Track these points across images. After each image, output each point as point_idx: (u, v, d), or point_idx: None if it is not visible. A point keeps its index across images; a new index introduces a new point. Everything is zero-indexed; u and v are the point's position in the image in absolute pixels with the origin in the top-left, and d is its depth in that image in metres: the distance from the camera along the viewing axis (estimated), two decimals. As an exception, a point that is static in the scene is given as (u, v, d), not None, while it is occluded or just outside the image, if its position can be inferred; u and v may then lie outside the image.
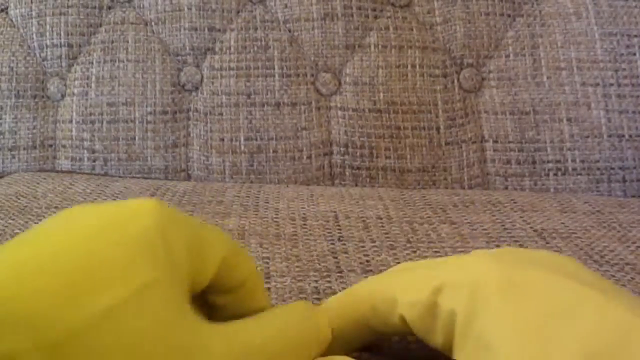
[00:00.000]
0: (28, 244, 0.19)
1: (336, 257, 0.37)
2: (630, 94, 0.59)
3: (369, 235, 0.41)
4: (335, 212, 0.45)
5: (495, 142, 0.60)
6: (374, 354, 0.28)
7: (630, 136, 0.59)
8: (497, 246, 0.40)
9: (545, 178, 0.59)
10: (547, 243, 0.41)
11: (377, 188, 0.55)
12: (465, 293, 0.21)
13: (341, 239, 0.40)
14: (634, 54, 0.60)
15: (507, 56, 0.61)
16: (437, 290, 0.22)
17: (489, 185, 0.59)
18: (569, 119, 0.59)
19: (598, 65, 0.60)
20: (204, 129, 0.61)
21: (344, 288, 0.34)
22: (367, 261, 0.37)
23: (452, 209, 0.47)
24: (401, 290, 0.23)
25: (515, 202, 0.49)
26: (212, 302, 0.25)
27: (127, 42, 0.63)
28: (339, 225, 0.43)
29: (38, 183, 0.53)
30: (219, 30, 0.62)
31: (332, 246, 0.39)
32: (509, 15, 0.62)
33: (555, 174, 0.59)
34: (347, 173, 0.60)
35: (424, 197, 0.50)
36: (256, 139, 0.60)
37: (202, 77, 0.62)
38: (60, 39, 0.64)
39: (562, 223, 0.44)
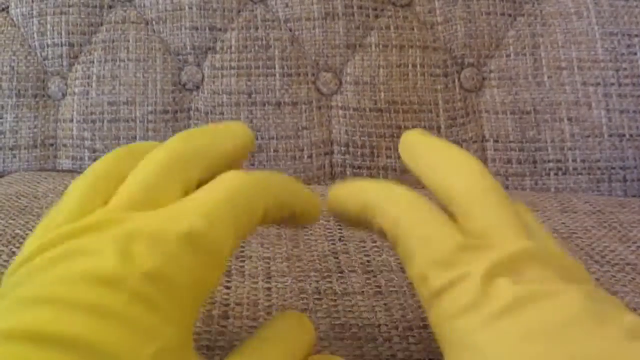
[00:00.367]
0: None
1: (337, 258, 0.37)
2: (631, 94, 0.59)
3: (369, 235, 0.41)
4: (336, 211, 0.45)
5: (496, 141, 0.60)
6: (373, 356, 0.28)
7: (631, 136, 0.59)
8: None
9: (546, 177, 0.59)
10: (548, 243, 0.41)
11: (378, 187, 0.55)
12: (469, 297, 0.21)
13: (342, 239, 0.40)
14: (635, 54, 0.60)
15: (508, 56, 0.61)
16: (449, 284, 0.21)
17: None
18: (569, 119, 0.59)
19: (599, 64, 0.60)
20: (205, 128, 0.61)
21: (344, 288, 0.34)
22: (368, 261, 0.37)
23: (452, 208, 0.47)
24: (420, 247, 0.23)
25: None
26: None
27: (128, 41, 0.63)
28: (339, 225, 0.43)
29: (39, 182, 0.53)
30: (220, 29, 0.62)
31: (333, 246, 0.39)
32: (509, 15, 0.62)
33: (556, 174, 0.59)
34: (348, 172, 0.60)
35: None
36: (257, 138, 0.60)
37: (203, 76, 0.62)
38: (61, 38, 0.64)
39: (563, 223, 0.44)
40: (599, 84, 0.60)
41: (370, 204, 0.25)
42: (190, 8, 0.63)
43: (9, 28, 0.65)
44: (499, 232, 0.23)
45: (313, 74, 0.61)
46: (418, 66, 0.61)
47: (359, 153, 0.60)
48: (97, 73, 0.63)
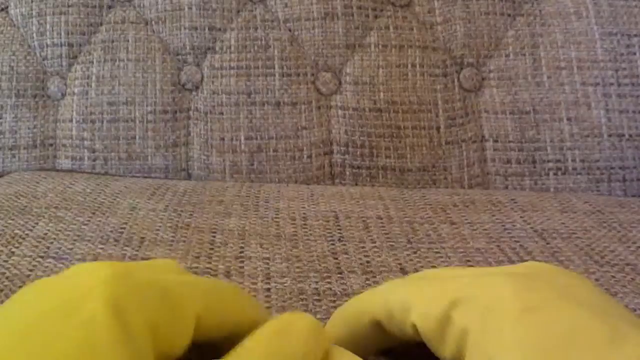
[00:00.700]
0: None
1: (336, 258, 0.37)
2: (630, 94, 0.59)
3: (369, 235, 0.41)
4: (335, 212, 0.45)
5: (496, 141, 0.60)
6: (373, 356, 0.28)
7: (631, 136, 0.59)
8: (498, 246, 0.40)
9: (545, 177, 0.59)
10: (547, 243, 0.41)
11: (378, 187, 0.55)
12: (480, 312, 0.21)
13: (341, 239, 0.40)
14: (634, 54, 0.60)
15: (507, 56, 0.61)
16: (452, 304, 0.22)
17: (489, 185, 0.59)
18: (569, 119, 0.59)
19: (598, 64, 0.60)
20: (204, 128, 0.61)
21: (344, 289, 0.34)
22: (368, 262, 0.37)
23: (452, 208, 0.47)
24: (417, 299, 0.23)
25: (515, 202, 0.49)
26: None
27: (128, 41, 0.63)
28: (339, 226, 0.43)
29: (38, 182, 0.53)
30: (220, 29, 0.62)
31: (332, 247, 0.39)
32: (509, 15, 0.62)
33: (556, 174, 0.59)
34: (348, 172, 0.60)
35: (424, 196, 0.50)
36: (256, 139, 0.60)
37: (202, 76, 0.62)
38: (60, 38, 0.64)
39: (562, 223, 0.44)
40: (598, 84, 0.60)
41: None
42: (190, 8, 0.63)
43: (9, 28, 0.65)
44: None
45: (312, 74, 0.61)
46: (417, 66, 0.61)
47: (358, 153, 0.60)
48: (97, 73, 0.63)
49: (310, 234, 0.41)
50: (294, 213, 0.45)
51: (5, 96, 0.63)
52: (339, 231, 0.42)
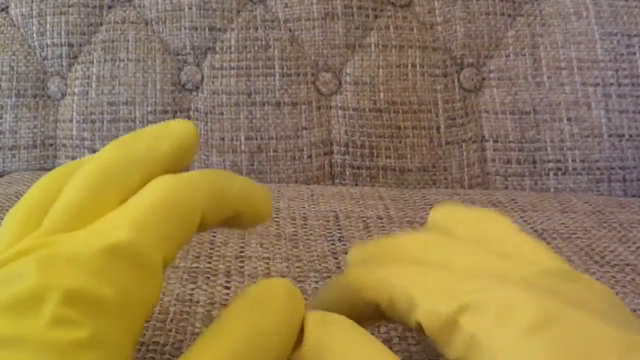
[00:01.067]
0: None
1: (337, 258, 0.37)
2: (630, 94, 0.59)
3: (369, 235, 0.41)
4: (335, 211, 0.45)
5: (496, 141, 0.60)
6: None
7: (631, 136, 0.59)
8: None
9: (545, 178, 0.59)
10: (547, 243, 0.41)
11: (378, 187, 0.55)
12: (490, 321, 0.19)
13: (342, 239, 0.40)
14: (634, 54, 0.60)
15: (508, 56, 0.61)
16: (461, 308, 0.20)
17: (489, 185, 0.59)
18: (569, 119, 0.59)
19: (598, 65, 0.60)
20: (205, 128, 0.61)
21: (344, 289, 0.34)
22: (368, 262, 0.37)
23: (452, 209, 0.47)
24: (423, 294, 0.22)
25: (515, 202, 0.49)
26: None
27: (128, 41, 0.63)
28: (339, 225, 0.43)
29: (38, 182, 0.53)
30: (220, 29, 0.62)
31: (332, 246, 0.39)
32: (509, 15, 0.62)
33: (556, 174, 0.59)
34: (348, 172, 0.60)
35: (424, 196, 0.50)
36: (256, 139, 0.60)
37: (202, 76, 0.62)
38: (60, 38, 0.64)
39: (563, 223, 0.44)
40: (598, 84, 0.60)
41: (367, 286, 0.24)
42: (190, 8, 0.63)
43: (9, 28, 0.65)
44: (490, 270, 0.23)
45: (313, 74, 0.61)
46: (417, 66, 0.61)
47: (358, 153, 0.60)
48: (97, 73, 0.63)
49: (310, 234, 0.41)
50: (294, 213, 0.45)
51: (5, 96, 0.63)
52: (339, 231, 0.42)
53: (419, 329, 0.22)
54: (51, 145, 0.63)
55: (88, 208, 0.21)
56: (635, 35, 0.60)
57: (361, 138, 0.60)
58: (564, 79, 0.60)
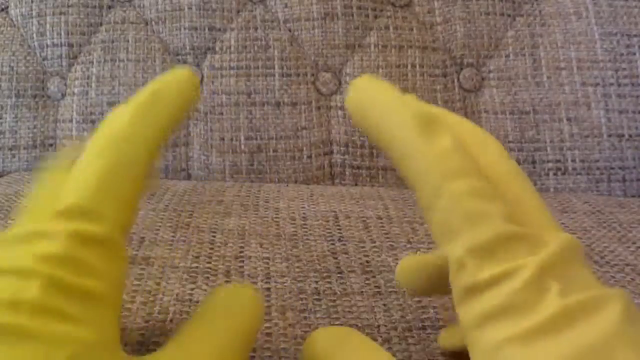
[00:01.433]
0: None
1: (336, 258, 0.37)
2: (630, 94, 0.59)
3: (369, 235, 0.41)
4: (335, 212, 0.45)
5: (495, 141, 0.60)
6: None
7: (630, 136, 0.59)
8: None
9: (545, 178, 0.59)
10: (547, 243, 0.41)
11: (377, 187, 0.55)
12: (515, 299, 0.19)
13: (341, 239, 0.40)
14: (634, 54, 0.60)
15: (507, 56, 0.61)
16: (493, 280, 0.19)
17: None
18: (568, 119, 0.59)
19: (598, 65, 0.60)
20: (204, 128, 0.61)
21: (344, 289, 0.34)
22: (368, 262, 0.37)
23: (452, 209, 0.47)
24: (464, 228, 0.20)
25: (515, 202, 0.49)
26: None
27: (128, 41, 0.63)
28: (339, 225, 0.43)
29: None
30: (219, 29, 0.62)
31: (332, 246, 0.39)
32: (509, 15, 0.62)
33: (555, 174, 0.59)
34: (347, 172, 0.60)
35: (424, 197, 0.50)
36: (256, 139, 0.60)
37: (202, 76, 0.62)
38: (60, 38, 0.64)
39: (562, 223, 0.44)
40: (598, 84, 0.60)
41: (409, 141, 0.22)
42: (190, 8, 0.63)
43: (9, 28, 0.65)
44: (540, 222, 0.21)
45: (312, 74, 0.61)
46: (417, 66, 0.61)
47: (358, 153, 0.60)
48: (97, 73, 0.63)
49: (310, 234, 0.41)
50: (294, 213, 0.45)
51: (5, 96, 0.63)
52: (339, 231, 0.42)
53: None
54: (51, 145, 0.63)
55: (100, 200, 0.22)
56: (635, 35, 0.60)
57: (361, 138, 0.60)
58: (563, 79, 0.60)
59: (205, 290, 0.33)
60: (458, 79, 0.61)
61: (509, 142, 0.59)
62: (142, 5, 0.64)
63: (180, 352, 0.21)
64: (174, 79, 0.25)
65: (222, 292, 0.24)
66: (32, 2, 0.64)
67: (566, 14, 0.61)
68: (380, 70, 0.61)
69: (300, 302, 0.32)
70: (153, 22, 0.63)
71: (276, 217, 0.44)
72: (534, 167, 0.59)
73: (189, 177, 0.61)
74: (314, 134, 0.60)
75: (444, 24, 0.62)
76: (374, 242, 0.40)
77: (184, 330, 0.22)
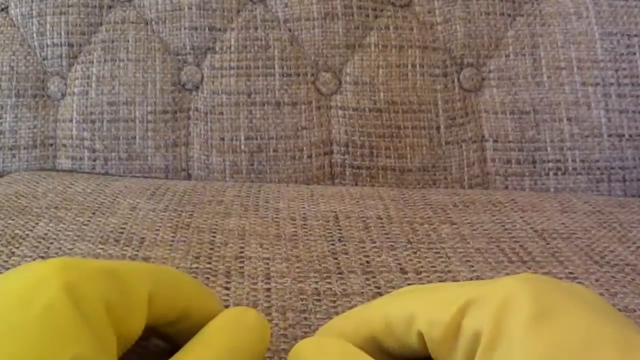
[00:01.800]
0: None
1: (336, 258, 0.37)
2: (630, 94, 0.59)
3: (369, 235, 0.41)
4: (335, 212, 0.45)
5: (496, 141, 0.60)
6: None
7: (631, 136, 0.59)
8: (498, 246, 0.40)
9: (545, 178, 0.59)
10: (547, 243, 0.41)
11: (378, 188, 0.55)
12: (492, 314, 0.20)
13: (341, 239, 0.40)
14: (634, 54, 0.60)
15: (507, 56, 0.61)
16: (462, 310, 0.21)
17: (489, 185, 0.59)
18: (569, 119, 0.59)
19: (598, 64, 0.60)
20: (204, 128, 0.61)
21: (344, 289, 0.34)
22: (368, 262, 0.37)
23: (452, 209, 0.47)
24: (421, 307, 0.22)
25: (515, 202, 0.49)
26: (166, 335, 0.25)
27: (128, 41, 0.63)
28: (339, 226, 0.43)
29: (38, 182, 0.53)
30: (220, 29, 0.62)
31: (332, 247, 0.39)
32: (509, 15, 0.62)
33: (555, 174, 0.59)
34: (348, 172, 0.60)
35: (424, 196, 0.50)
36: (256, 139, 0.60)
37: (202, 76, 0.62)
38: (60, 38, 0.64)
39: (563, 223, 0.44)
40: (598, 84, 0.60)
41: None
42: (190, 8, 0.63)
43: (9, 28, 0.65)
44: None
45: (312, 74, 0.61)
46: (417, 66, 0.61)
47: (358, 153, 0.60)
48: (97, 73, 0.63)
49: (310, 234, 0.41)
50: (294, 213, 0.45)
51: (5, 96, 0.63)
52: (339, 231, 0.42)
53: (420, 342, 0.22)
54: (51, 145, 0.63)
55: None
56: (635, 35, 0.60)
57: (361, 138, 0.60)
58: (563, 79, 0.60)
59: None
60: (458, 79, 0.61)
61: (509, 142, 0.59)
62: (142, 5, 0.64)
63: None
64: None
65: (228, 313, 0.24)
66: (32, 2, 0.64)
67: (566, 14, 0.61)
68: (381, 70, 0.61)
69: (301, 302, 0.32)
70: (153, 22, 0.63)
71: (276, 217, 0.44)
72: (534, 167, 0.59)
73: (189, 177, 0.61)
74: (314, 134, 0.60)
75: (444, 24, 0.62)
76: (374, 243, 0.40)
77: (187, 347, 0.22)
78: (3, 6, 0.66)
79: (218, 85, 0.61)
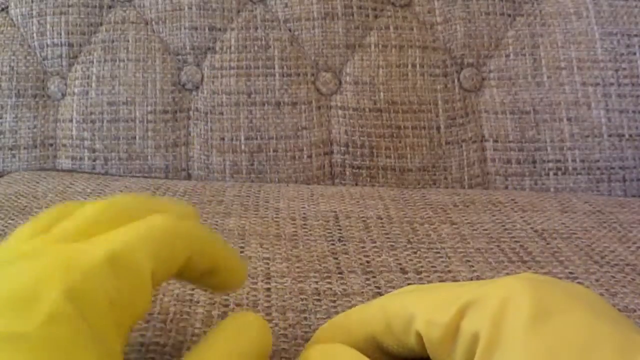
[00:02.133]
0: None
1: (337, 258, 0.37)
2: (630, 94, 0.59)
3: (369, 235, 0.41)
4: (335, 212, 0.45)
5: (496, 141, 0.60)
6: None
7: (631, 136, 0.59)
8: (498, 246, 0.40)
9: (545, 178, 0.59)
10: (547, 243, 0.41)
11: (378, 187, 0.55)
12: (491, 313, 0.19)
13: (341, 239, 0.40)
14: (634, 54, 0.60)
15: (508, 56, 0.61)
16: (461, 311, 0.20)
17: (489, 185, 0.59)
18: (569, 119, 0.59)
19: (598, 64, 0.60)
20: (205, 128, 0.61)
21: (344, 289, 0.34)
22: (368, 262, 0.37)
23: (452, 208, 0.47)
24: (421, 307, 0.22)
25: (515, 202, 0.49)
26: (192, 281, 0.25)
27: (128, 41, 0.63)
28: (339, 226, 0.43)
29: (38, 182, 0.53)
30: (220, 29, 0.62)
31: (332, 247, 0.39)
32: (509, 15, 0.62)
33: (556, 174, 0.59)
34: (348, 172, 0.60)
35: (424, 196, 0.50)
36: (256, 138, 0.60)
37: (202, 76, 0.62)
38: (60, 38, 0.64)
39: (563, 223, 0.44)
40: (598, 84, 0.60)
41: None
42: (190, 8, 0.63)
43: (9, 28, 0.65)
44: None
45: (312, 74, 0.61)
46: (417, 66, 0.61)
47: (358, 153, 0.60)
48: (97, 73, 0.63)
49: (310, 234, 0.41)
50: (294, 213, 0.45)
51: (5, 96, 0.63)
52: (339, 231, 0.42)
53: (419, 342, 0.22)
54: (51, 145, 0.63)
55: (95, 227, 0.23)
56: (635, 35, 0.60)
57: (361, 138, 0.60)
58: (564, 79, 0.60)
59: (205, 290, 0.33)
60: (458, 79, 0.61)
61: (509, 142, 0.59)
62: (142, 5, 0.64)
63: None
64: None
65: (231, 318, 0.24)
66: (32, 2, 0.64)
67: (566, 14, 0.61)
68: (381, 70, 0.61)
69: (301, 302, 0.32)
70: (153, 22, 0.63)
71: (276, 217, 0.44)
72: (534, 167, 0.59)
73: (189, 177, 0.61)
74: (314, 134, 0.60)
75: (444, 24, 0.62)
76: (374, 242, 0.40)
77: (192, 353, 0.22)
78: (3, 6, 0.66)
79: (218, 85, 0.61)
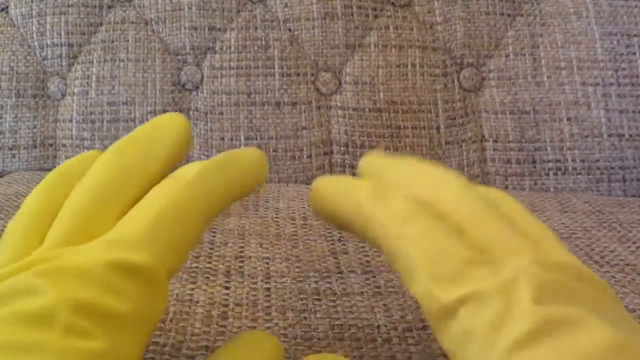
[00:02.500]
0: None
1: (336, 258, 0.37)
2: (630, 94, 0.59)
3: (369, 235, 0.41)
4: (335, 212, 0.45)
5: (495, 141, 0.60)
6: (372, 357, 0.28)
7: (630, 136, 0.59)
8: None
9: (545, 177, 0.59)
10: (547, 243, 0.41)
11: (377, 188, 0.55)
12: (491, 318, 0.19)
13: (341, 239, 0.40)
14: (634, 54, 0.60)
15: (507, 56, 0.61)
16: (463, 299, 0.20)
17: (489, 185, 0.59)
18: (569, 119, 0.59)
19: (598, 64, 0.60)
20: (204, 128, 0.61)
21: (344, 289, 0.34)
22: (368, 262, 0.37)
23: (452, 208, 0.47)
24: (425, 267, 0.21)
25: (515, 202, 0.48)
26: None
27: (128, 41, 0.63)
28: (339, 225, 0.43)
29: (38, 182, 0.53)
30: (219, 29, 0.62)
31: (332, 246, 0.39)
32: (509, 15, 0.62)
33: (555, 174, 0.59)
34: (347, 172, 0.60)
35: (424, 196, 0.50)
36: (256, 138, 0.60)
37: (202, 76, 0.62)
38: (60, 38, 0.64)
39: (562, 223, 0.44)
40: (598, 84, 0.60)
41: (364, 211, 0.23)
42: (190, 8, 0.63)
43: (9, 28, 0.65)
44: (503, 245, 0.21)
45: (312, 74, 0.61)
46: (417, 66, 0.61)
47: (358, 153, 0.60)
48: (97, 73, 0.63)
49: (310, 234, 0.41)
50: (293, 213, 0.45)
51: (5, 96, 0.63)
52: (338, 231, 0.42)
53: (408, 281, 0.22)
54: (51, 145, 0.63)
55: (90, 222, 0.22)
56: (635, 35, 0.60)
57: (361, 138, 0.60)
58: (563, 79, 0.60)
59: (205, 290, 0.33)
60: (458, 79, 0.61)
61: (509, 141, 0.59)
62: (142, 5, 0.64)
63: None
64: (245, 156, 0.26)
65: (243, 336, 0.24)
66: (32, 2, 0.64)
67: (566, 14, 0.61)
68: (380, 70, 0.61)
69: (300, 302, 0.32)
70: (153, 22, 0.63)
71: (276, 217, 0.44)
72: (534, 167, 0.59)
73: (189, 177, 0.61)
74: (314, 134, 0.60)
75: (444, 24, 0.62)
76: (374, 242, 0.40)
77: None
78: (3, 6, 0.66)
79: (218, 85, 0.61)
